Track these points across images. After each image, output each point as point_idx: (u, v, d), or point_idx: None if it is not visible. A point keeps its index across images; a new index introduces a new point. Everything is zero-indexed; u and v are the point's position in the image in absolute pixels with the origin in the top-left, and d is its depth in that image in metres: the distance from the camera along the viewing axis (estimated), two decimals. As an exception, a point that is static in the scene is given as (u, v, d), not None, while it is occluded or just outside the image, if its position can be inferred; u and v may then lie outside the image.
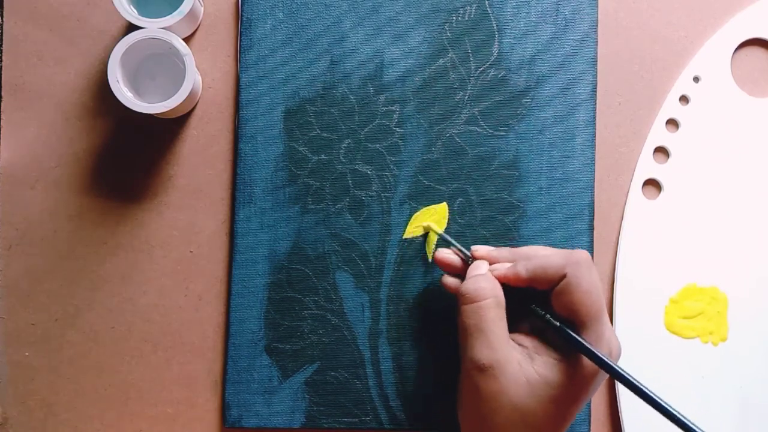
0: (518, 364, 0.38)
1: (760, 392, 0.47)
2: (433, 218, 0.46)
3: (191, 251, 0.46)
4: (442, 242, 0.45)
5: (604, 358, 0.37)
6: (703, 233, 0.48)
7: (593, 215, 0.47)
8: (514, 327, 0.41)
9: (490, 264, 0.42)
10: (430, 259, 0.46)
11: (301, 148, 0.46)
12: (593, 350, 0.37)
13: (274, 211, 0.46)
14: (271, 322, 0.46)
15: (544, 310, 0.40)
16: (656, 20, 0.49)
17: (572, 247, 0.46)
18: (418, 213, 0.46)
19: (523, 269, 0.40)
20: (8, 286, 0.46)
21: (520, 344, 0.40)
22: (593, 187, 0.47)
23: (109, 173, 0.46)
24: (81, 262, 0.46)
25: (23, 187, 0.46)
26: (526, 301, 0.41)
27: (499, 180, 0.47)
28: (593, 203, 0.47)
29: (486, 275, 0.41)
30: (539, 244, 0.46)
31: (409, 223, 0.46)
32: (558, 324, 0.39)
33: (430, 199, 0.46)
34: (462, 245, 0.44)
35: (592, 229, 0.47)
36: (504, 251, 0.42)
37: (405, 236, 0.46)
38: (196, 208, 0.46)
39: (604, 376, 0.39)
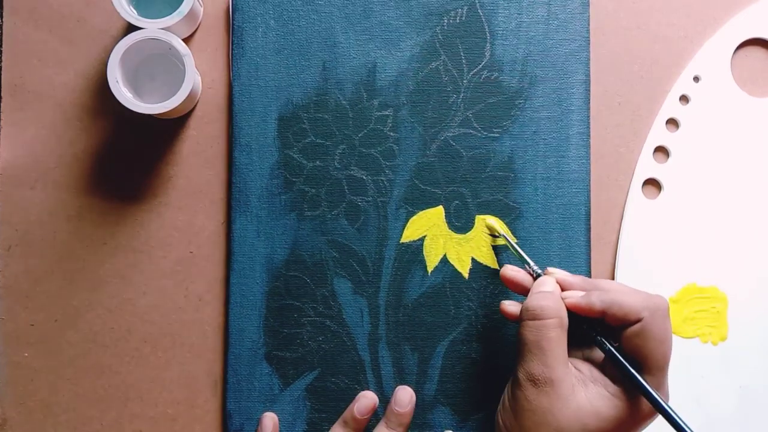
0: (571, 387, 0.38)
1: (760, 392, 0.47)
2: (432, 220, 0.46)
3: (191, 252, 0.46)
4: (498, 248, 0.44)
5: (675, 416, 0.36)
6: (703, 233, 0.48)
7: (590, 214, 0.47)
8: (569, 350, 0.40)
9: (563, 290, 0.41)
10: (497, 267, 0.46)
11: (295, 155, 0.46)
12: (664, 404, 0.37)
13: (270, 219, 0.46)
14: (270, 330, 0.45)
15: (609, 343, 0.39)
16: (656, 20, 0.49)
17: (570, 247, 0.46)
18: (414, 217, 0.46)
19: (597, 300, 0.39)
20: (8, 287, 0.46)
21: (576, 368, 0.39)
22: (589, 186, 0.47)
23: (109, 173, 0.46)
24: (80, 262, 0.46)
25: (23, 187, 0.46)
26: (583, 326, 0.40)
27: (494, 182, 0.46)
28: (589, 202, 0.47)
29: (553, 294, 0.40)
30: (537, 245, 0.46)
31: (406, 227, 0.46)
32: (623, 361, 0.38)
33: (426, 202, 0.46)
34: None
35: (588, 228, 0.47)
36: (578, 278, 0.41)
37: (402, 240, 0.46)
38: (196, 209, 0.47)
39: (649, 424, 0.39)
